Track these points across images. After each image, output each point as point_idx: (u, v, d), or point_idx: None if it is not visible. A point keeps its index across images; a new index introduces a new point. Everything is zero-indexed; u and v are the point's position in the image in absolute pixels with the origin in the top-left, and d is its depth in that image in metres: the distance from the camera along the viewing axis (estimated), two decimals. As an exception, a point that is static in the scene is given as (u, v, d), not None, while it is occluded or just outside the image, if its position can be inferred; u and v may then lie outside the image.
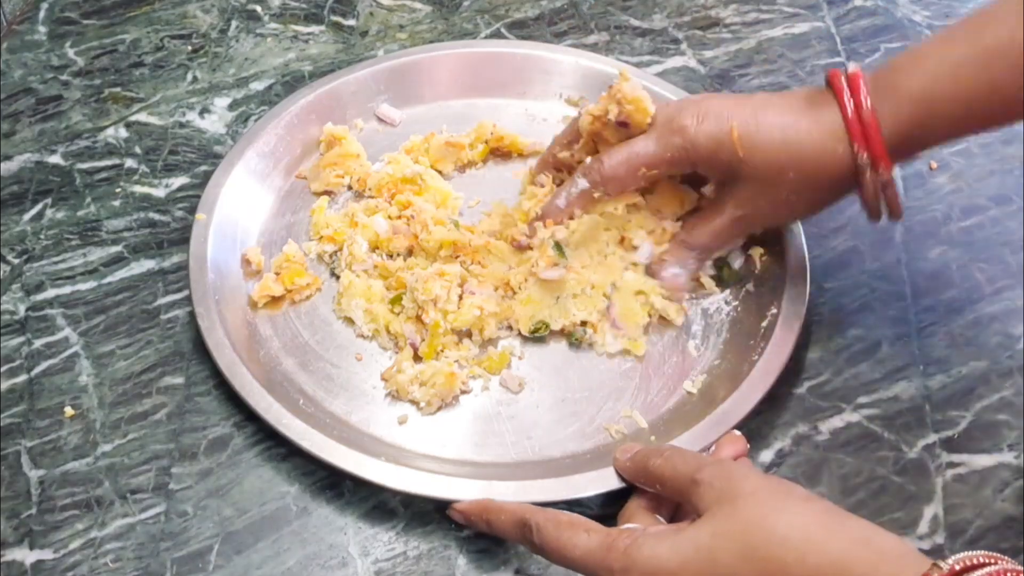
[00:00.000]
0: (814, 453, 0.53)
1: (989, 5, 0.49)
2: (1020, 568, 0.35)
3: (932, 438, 0.54)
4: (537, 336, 0.57)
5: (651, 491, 0.46)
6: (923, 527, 0.51)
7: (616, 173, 0.55)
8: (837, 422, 0.55)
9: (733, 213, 0.55)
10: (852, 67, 0.51)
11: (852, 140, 0.50)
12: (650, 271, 0.58)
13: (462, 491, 0.48)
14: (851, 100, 0.50)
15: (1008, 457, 0.53)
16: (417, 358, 0.55)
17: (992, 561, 0.36)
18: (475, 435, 0.53)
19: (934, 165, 0.68)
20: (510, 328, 0.57)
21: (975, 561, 0.36)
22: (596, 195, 0.56)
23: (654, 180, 0.56)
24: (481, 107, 0.69)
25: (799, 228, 0.60)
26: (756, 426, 0.54)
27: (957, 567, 0.35)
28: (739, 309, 0.59)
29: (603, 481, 0.49)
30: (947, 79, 0.48)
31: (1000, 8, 0.48)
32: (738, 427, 0.51)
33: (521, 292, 0.57)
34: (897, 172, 0.51)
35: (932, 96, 0.49)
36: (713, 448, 0.50)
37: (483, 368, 0.55)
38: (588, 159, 0.56)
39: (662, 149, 0.54)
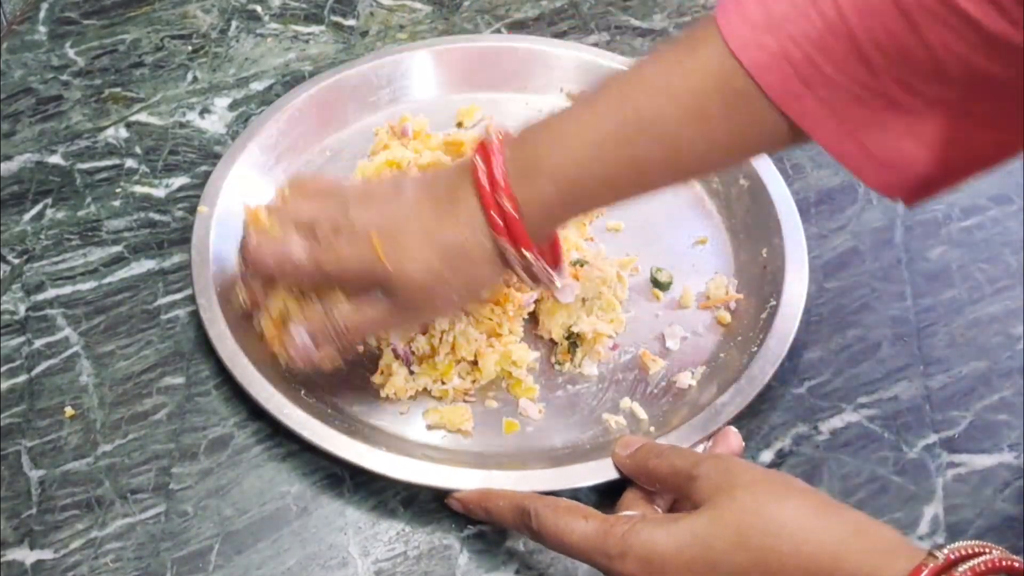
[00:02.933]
0: (814, 453, 0.53)
1: (631, 70, 0.46)
2: (1014, 557, 0.36)
3: (932, 438, 0.54)
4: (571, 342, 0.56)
5: (650, 488, 0.46)
6: (923, 527, 0.51)
7: (264, 265, 0.49)
8: (837, 422, 0.55)
9: (391, 310, 0.48)
10: (494, 146, 0.46)
11: (496, 235, 0.46)
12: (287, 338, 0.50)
13: (462, 481, 0.49)
14: (491, 194, 0.46)
15: (1008, 457, 0.53)
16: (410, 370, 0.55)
17: (986, 550, 0.36)
18: (475, 427, 0.54)
19: (934, 165, 0.68)
20: None
21: (970, 551, 0.36)
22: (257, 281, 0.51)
23: None
24: (482, 101, 0.70)
25: (796, 220, 0.60)
26: (756, 426, 0.54)
27: (952, 557, 0.36)
28: (739, 301, 0.59)
29: (602, 471, 0.49)
30: (591, 160, 0.45)
31: (642, 74, 0.45)
32: (738, 424, 0.51)
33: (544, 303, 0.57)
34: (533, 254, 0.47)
35: (577, 178, 0.46)
36: (710, 443, 0.50)
37: (507, 391, 0.55)
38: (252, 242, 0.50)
39: (312, 264, 0.48)
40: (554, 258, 0.50)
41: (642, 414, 0.54)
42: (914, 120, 0.42)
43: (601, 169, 0.46)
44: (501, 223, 0.46)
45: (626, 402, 0.55)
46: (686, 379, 0.56)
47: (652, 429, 0.52)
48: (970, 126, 0.42)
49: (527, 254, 0.47)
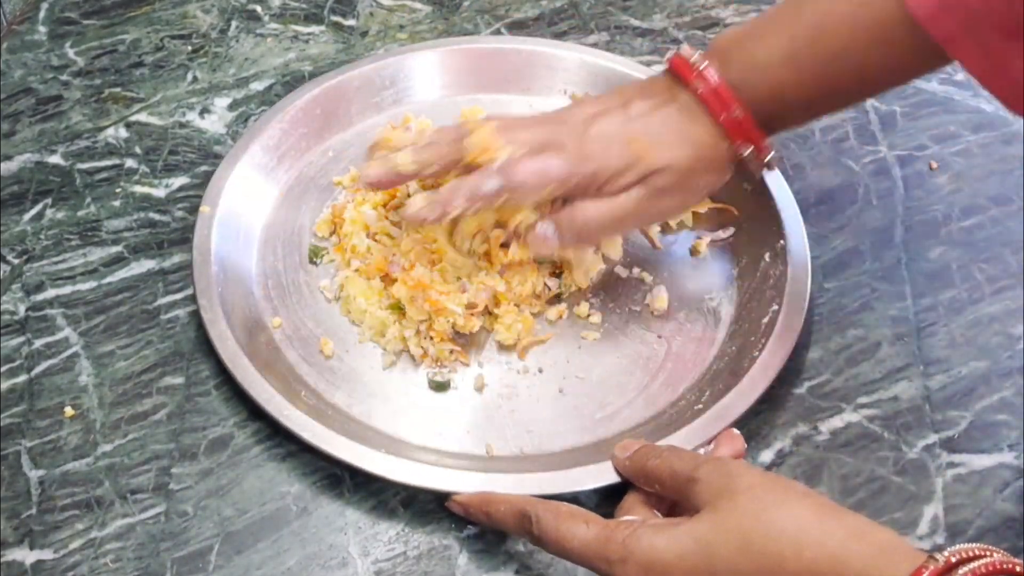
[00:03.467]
0: (814, 453, 0.53)
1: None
2: (1015, 560, 0.36)
3: (932, 438, 0.54)
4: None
5: (649, 491, 0.46)
6: (923, 527, 0.51)
7: (525, 184, 0.53)
8: (837, 422, 0.55)
9: (645, 197, 0.54)
10: (700, 63, 0.53)
11: (732, 140, 0.53)
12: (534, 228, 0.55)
13: (462, 483, 0.49)
14: (718, 105, 0.52)
15: (1008, 457, 0.53)
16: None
17: (987, 553, 0.36)
18: (475, 428, 0.54)
19: (934, 165, 0.68)
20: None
21: (970, 553, 0.36)
22: (500, 200, 0.53)
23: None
24: (485, 102, 0.69)
25: (799, 222, 0.60)
26: (756, 426, 0.54)
27: (953, 559, 0.36)
28: (741, 306, 0.59)
29: (602, 475, 0.49)
30: (791, 87, 0.52)
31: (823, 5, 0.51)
32: (738, 424, 0.51)
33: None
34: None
35: (777, 100, 0.52)
36: (711, 446, 0.50)
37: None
38: (503, 158, 0.53)
39: (573, 171, 0.53)
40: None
41: (643, 417, 0.54)
42: None
43: (800, 95, 0.52)
44: (738, 129, 0.52)
45: (627, 405, 0.55)
46: (687, 382, 0.56)
47: (653, 433, 0.52)
48: None
49: (764, 153, 0.54)
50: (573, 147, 0.53)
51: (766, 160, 0.54)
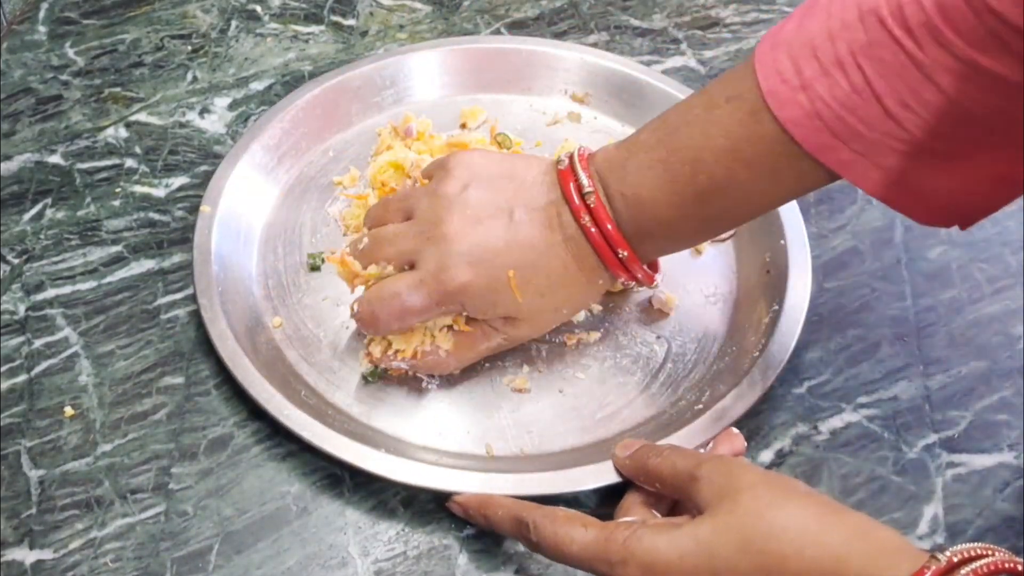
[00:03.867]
0: (814, 453, 0.53)
1: (680, 113, 0.49)
2: (1017, 559, 0.36)
3: (932, 438, 0.54)
4: None
5: (650, 489, 0.46)
6: (923, 527, 0.51)
7: (388, 325, 0.52)
8: (837, 422, 0.55)
9: (502, 336, 0.53)
10: (587, 187, 0.50)
11: (620, 277, 0.52)
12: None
13: (462, 483, 0.49)
14: (610, 251, 0.50)
15: (1008, 457, 0.53)
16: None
17: (989, 553, 0.36)
18: (475, 428, 0.54)
19: (934, 165, 0.68)
20: None
21: (972, 553, 0.36)
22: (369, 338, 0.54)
23: None
24: (486, 103, 0.69)
25: (800, 223, 0.60)
26: (756, 426, 0.54)
27: (955, 559, 0.36)
28: (741, 306, 0.59)
29: (602, 475, 0.49)
30: (677, 230, 0.50)
31: (691, 123, 0.48)
32: (738, 424, 0.51)
33: None
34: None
35: (665, 222, 0.50)
36: (711, 445, 0.50)
37: None
38: (354, 305, 0.52)
39: (435, 304, 0.51)
40: (653, 265, 0.55)
41: (643, 417, 0.54)
42: (955, 164, 0.43)
43: (680, 217, 0.49)
44: (624, 268, 0.51)
45: (627, 406, 0.55)
46: (687, 382, 0.56)
47: (653, 433, 0.52)
48: (1012, 155, 0.43)
49: (646, 280, 0.53)
50: (438, 271, 0.50)
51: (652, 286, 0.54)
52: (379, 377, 0.55)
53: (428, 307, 0.51)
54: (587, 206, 0.50)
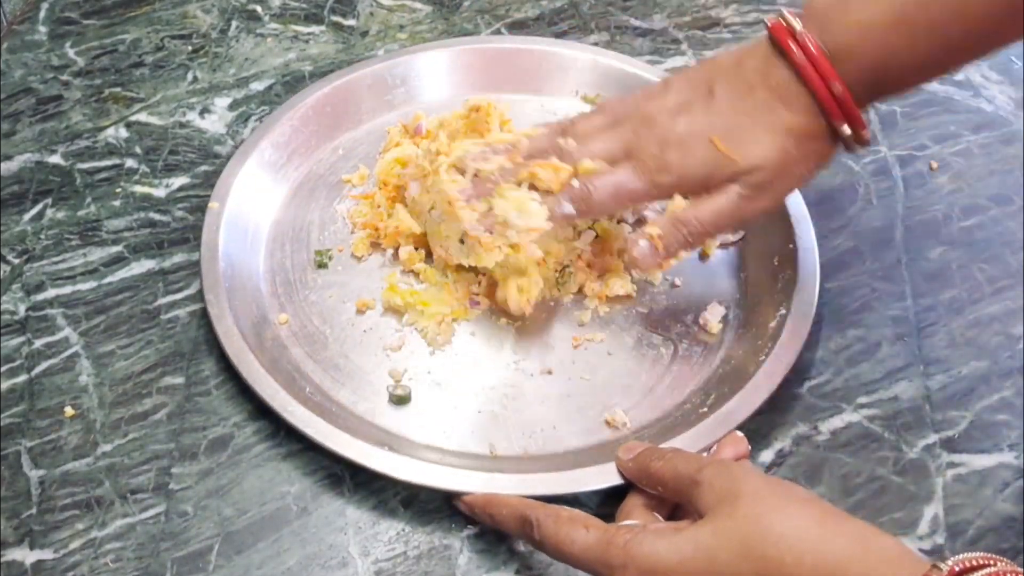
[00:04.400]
0: (814, 453, 0.53)
1: None
2: (1019, 570, 0.35)
3: (932, 438, 0.54)
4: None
5: (652, 493, 0.46)
6: (923, 527, 0.51)
7: (604, 204, 0.53)
8: (837, 422, 0.55)
9: (745, 194, 0.52)
10: (800, 29, 0.49)
11: (832, 119, 0.50)
12: (628, 242, 0.54)
13: (465, 483, 0.49)
14: (822, 82, 0.49)
15: (1008, 457, 0.53)
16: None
17: (991, 563, 0.36)
18: (480, 428, 0.54)
19: (934, 165, 0.68)
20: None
21: (974, 563, 0.36)
22: (580, 219, 0.55)
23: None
24: (495, 103, 0.69)
25: (809, 228, 0.60)
26: (756, 426, 0.54)
27: (956, 568, 0.35)
28: (748, 309, 0.59)
29: (606, 476, 0.49)
30: (899, 40, 0.48)
31: None
32: (739, 425, 0.51)
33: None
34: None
35: (884, 60, 0.48)
36: (714, 448, 0.50)
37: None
38: (574, 181, 0.53)
39: (651, 186, 0.52)
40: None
41: (647, 420, 0.54)
42: None
43: (909, 61, 0.48)
44: (837, 108, 0.49)
45: (631, 408, 0.55)
46: (692, 385, 0.55)
47: (657, 436, 0.52)
48: None
49: (863, 133, 0.50)
50: (650, 156, 0.52)
51: (864, 137, 0.51)
52: (406, 402, 0.55)
53: (644, 188, 0.52)
54: (799, 44, 0.49)
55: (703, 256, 0.62)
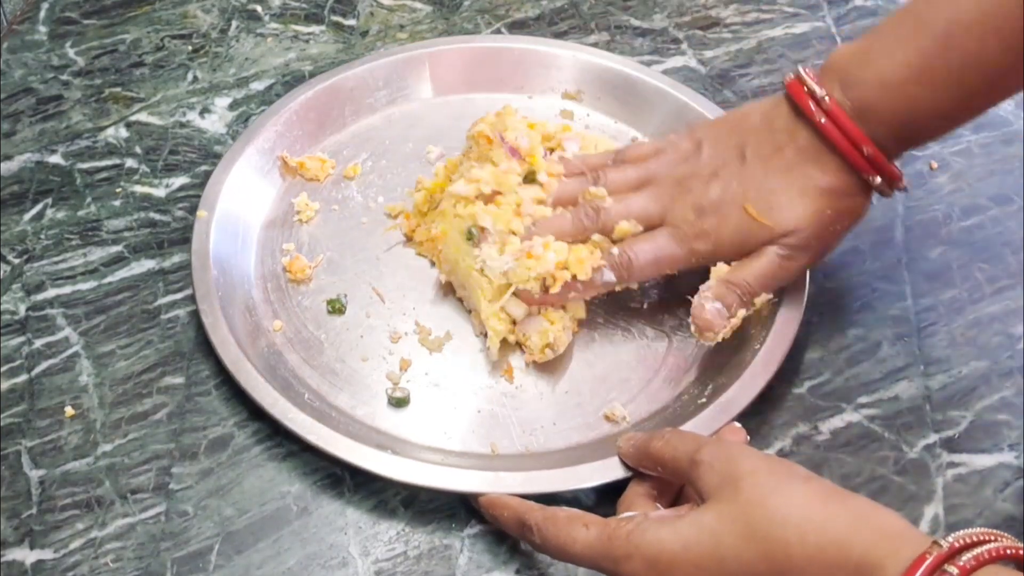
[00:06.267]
0: (814, 453, 0.53)
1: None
2: (1020, 545, 0.36)
3: (932, 438, 0.54)
4: None
5: (653, 475, 0.46)
6: (923, 527, 0.51)
7: (643, 272, 0.54)
8: (837, 422, 0.55)
9: (786, 255, 0.53)
10: (820, 92, 0.50)
11: (864, 175, 0.51)
12: (693, 308, 0.53)
13: (469, 483, 0.49)
14: (847, 142, 0.50)
15: (1008, 457, 0.53)
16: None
17: (993, 538, 0.36)
18: (480, 428, 0.54)
19: (934, 165, 0.68)
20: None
21: (975, 539, 0.36)
22: (618, 288, 0.55)
23: None
24: (479, 102, 0.69)
25: None
26: (756, 426, 0.54)
27: (957, 544, 0.36)
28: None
29: (608, 471, 0.49)
30: (918, 93, 0.49)
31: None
32: (739, 421, 0.51)
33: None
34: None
35: (909, 115, 0.49)
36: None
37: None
38: (614, 250, 0.54)
39: (689, 253, 0.53)
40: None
41: (646, 412, 0.54)
42: None
43: (933, 112, 0.49)
44: (869, 166, 0.50)
45: (630, 401, 0.55)
46: (689, 377, 0.56)
47: (657, 427, 0.52)
48: None
49: (898, 183, 0.52)
50: (687, 222, 0.53)
51: (900, 185, 0.52)
52: (405, 404, 0.54)
53: (683, 255, 0.53)
54: (822, 109, 0.50)
55: (757, 314, 0.58)
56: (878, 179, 0.51)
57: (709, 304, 0.52)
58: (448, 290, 0.59)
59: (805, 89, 0.51)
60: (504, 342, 0.56)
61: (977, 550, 0.35)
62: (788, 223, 0.51)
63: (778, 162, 0.52)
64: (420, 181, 0.63)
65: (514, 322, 0.55)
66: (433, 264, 0.60)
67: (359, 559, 0.49)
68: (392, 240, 0.62)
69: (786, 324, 0.55)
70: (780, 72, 0.74)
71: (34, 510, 0.50)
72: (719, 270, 0.53)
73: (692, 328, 0.53)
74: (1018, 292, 0.61)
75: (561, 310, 0.55)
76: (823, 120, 0.50)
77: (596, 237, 0.55)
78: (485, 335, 0.56)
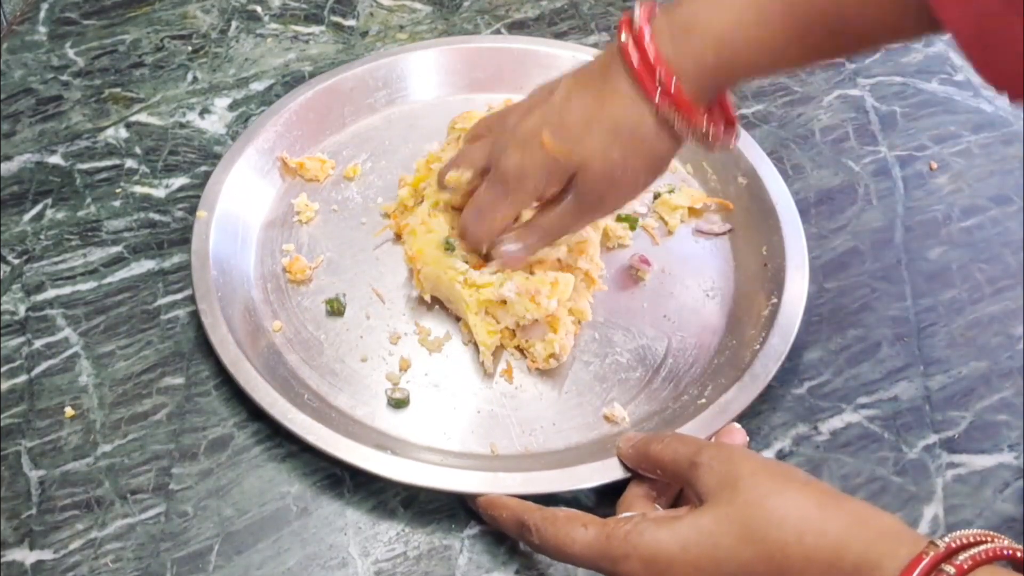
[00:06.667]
0: (814, 453, 0.53)
1: None
2: (1016, 546, 0.36)
3: (932, 438, 0.54)
4: None
5: (653, 477, 0.46)
6: (923, 527, 0.51)
7: (481, 235, 0.54)
8: (837, 422, 0.55)
9: (577, 204, 0.51)
10: (639, 15, 0.46)
11: (655, 104, 0.46)
12: (495, 247, 0.54)
13: (469, 483, 0.49)
14: (641, 62, 0.45)
15: (1008, 457, 0.53)
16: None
17: (988, 539, 0.36)
18: (479, 428, 0.54)
19: (934, 165, 0.68)
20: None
21: (971, 539, 0.36)
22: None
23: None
24: (478, 103, 0.69)
25: (796, 218, 0.61)
26: (756, 426, 0.54)
27: (954, 544, 0.36)
28: (740, 299, 0.59)
29: (607, 471, 0.49)
30: (751, 24, 0.45)
31: None
32: (737, 421, 0.51)
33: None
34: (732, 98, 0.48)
35: (734, 41, 0.45)
36: (713, 439, 0.50)
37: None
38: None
39: (509, 198, 0.52)
40: (727, 118, 0.49)
41: (645, 413, 0.54)
42: None
43: (759, 33, 0.45)
44: (656, 90, 0.46)
45: (629, 401, 0.55)
46: (688, 377, 0.56)
47: (657, 427, 0.52)
48: None
49: (695, 119, 0.47)
50: (498, 161, 0.52)
51: (703, 131, 0.47)
52: (405, 405, 0.54)
53: (509, 204, 0.52)
54: (631, 31, 0.46)
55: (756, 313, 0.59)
56: (675, 116, 0.46)
57: (508, 245, 0.53)
58: (435, 301, 0.59)
59: (627, 19, 0.47)
60: (501, 347, 0.56)
61: (974, 550, 0.36)
62: (576, 156, 0.48)
63: (580, 98, 0.48)
64: (403, 179, 0.63)
65: (508, 329, 0.55)
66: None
67: (359, 559, 0.49)
68: (383, 237, 0.62)
69: (786, 324, 0.55)
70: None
71: (34, 510, 0.50)
72: (526, 213, 0.54)
73: (496, 264, 0.54)
74: (1018, 292, 0.61)
75: (565, 315, 0.55)
76: (623, 38, 0.46)
77: (559, 253, 0.55)
78: (474, 343, 0.56)
